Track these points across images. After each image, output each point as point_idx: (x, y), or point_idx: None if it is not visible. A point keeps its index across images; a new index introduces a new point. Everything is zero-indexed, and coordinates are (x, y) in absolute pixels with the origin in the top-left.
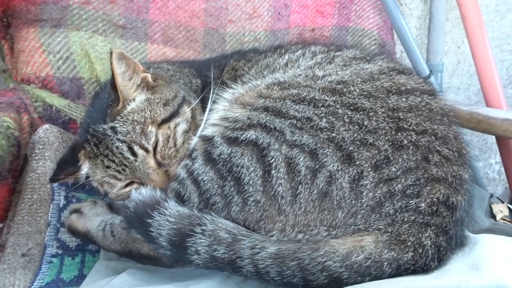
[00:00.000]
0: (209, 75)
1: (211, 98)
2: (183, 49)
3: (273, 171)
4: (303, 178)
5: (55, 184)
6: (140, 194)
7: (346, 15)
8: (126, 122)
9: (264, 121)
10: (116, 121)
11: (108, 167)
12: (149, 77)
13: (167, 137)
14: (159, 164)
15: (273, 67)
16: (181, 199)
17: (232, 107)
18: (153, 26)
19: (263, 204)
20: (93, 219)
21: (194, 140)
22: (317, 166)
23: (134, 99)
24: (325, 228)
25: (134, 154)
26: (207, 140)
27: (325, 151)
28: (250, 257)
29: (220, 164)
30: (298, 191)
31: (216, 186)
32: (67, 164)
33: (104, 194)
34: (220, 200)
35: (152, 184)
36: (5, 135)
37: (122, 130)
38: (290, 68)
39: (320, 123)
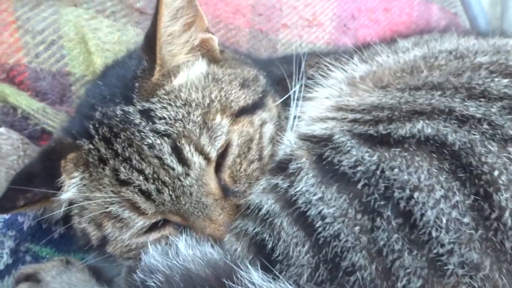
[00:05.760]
0: (277, 72)
1: (299, 85)
2: None
3: (499, 197)
4: None
5: None
6: (178, 255)
7: None
8: (174, 102)
9: (443, 104)
10: (153, 100)
11: (126, 183)
12: (214, 41)
13: (248, 140)
14: (225, 190)
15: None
16: (266, 257)
17: (357, 89)
18: None
19: (489, 275)
20: None
21: (289, 141)
22: None
23: (187, 66)
24: None
25: (183, 161)
26: (319, 141)
27: None
28: None
29: (362, 183)
30: None
31: (357, 229)
32: (33, 180)
33: (99, 243)
34: (368, 261)
35: (207, 229)
36: None
37: (165, 116)
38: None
39: None
